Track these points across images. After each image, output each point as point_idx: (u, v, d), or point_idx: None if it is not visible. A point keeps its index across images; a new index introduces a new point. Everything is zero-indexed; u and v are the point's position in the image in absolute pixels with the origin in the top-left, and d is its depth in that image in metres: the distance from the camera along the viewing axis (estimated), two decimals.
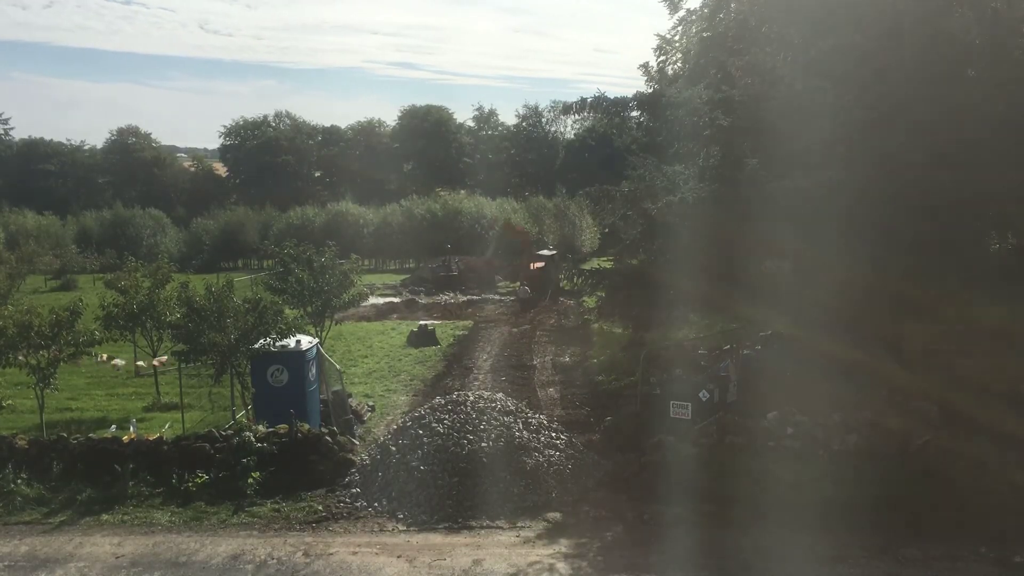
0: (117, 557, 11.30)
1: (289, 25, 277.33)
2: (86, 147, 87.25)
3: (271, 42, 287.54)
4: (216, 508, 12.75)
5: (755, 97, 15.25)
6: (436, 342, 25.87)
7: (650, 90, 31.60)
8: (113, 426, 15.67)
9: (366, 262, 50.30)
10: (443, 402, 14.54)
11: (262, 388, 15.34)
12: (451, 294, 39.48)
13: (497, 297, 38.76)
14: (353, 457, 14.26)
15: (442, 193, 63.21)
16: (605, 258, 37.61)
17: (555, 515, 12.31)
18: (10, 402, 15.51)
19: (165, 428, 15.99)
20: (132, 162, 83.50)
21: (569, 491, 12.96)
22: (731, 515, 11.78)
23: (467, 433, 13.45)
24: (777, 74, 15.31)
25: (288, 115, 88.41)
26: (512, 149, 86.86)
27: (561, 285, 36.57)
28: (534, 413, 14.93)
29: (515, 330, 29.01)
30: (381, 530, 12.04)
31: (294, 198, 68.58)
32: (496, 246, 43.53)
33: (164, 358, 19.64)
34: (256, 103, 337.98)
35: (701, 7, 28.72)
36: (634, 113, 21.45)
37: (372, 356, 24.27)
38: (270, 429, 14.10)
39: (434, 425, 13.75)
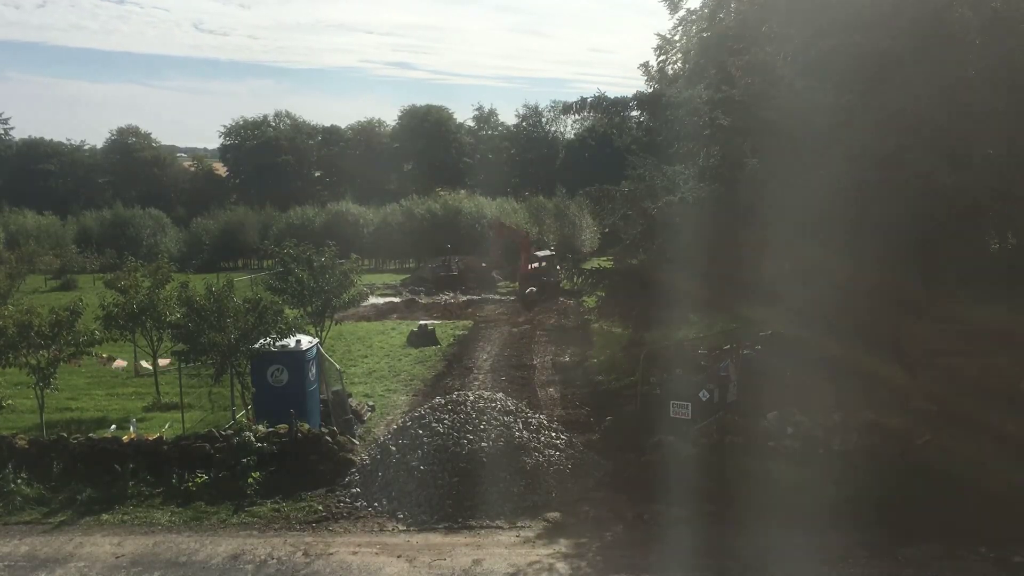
0: (117, 557, 11.30)
1: (284, 24, 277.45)
2: (86, 147, 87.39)
3: (266, 42, 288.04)
4: (216, 508, 12.74)
5: (755, 97, 15.25)
6: (436, 342, 25.87)
7: (650, 90, 31.59)
8: (113, 426, 15.69)
9: (366, 262, 50.30)
10: (443, 402, 14.53)
11: (262, 388, 15.34)
12: (451, 294, 39.50)
13: (497, 297, 38.78)
14: (353, 457, 14.25)
15: (442, 193, 63.26)
16: (605, 258, 37.66)
17: (555, 515, 12.30)
18: (10, 402, 15.50)
19: (165, 428, 16.00)
20: (132, 162, 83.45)
21: (569, 491, 12.96)
22: (731, 515, 11.78)
23: (467, 433, 13.45)
24: (777, 74, 15.31)
25: (288, 115, 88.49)
26: (512, 149, 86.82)
27: (561, 285, 36.60)
28: (534, 413, 14.93)
29: (515, 330, 29.02)
30: (381, 530, 12.04)
31: (294, 198, 68.55)
32: (495, 247, 43.45)
33: (166, 361, 19.67)
34: (254, 103, 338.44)
35: (701, 7, 28.74)
36: (634, 113, 21.45)
37: (372, 356, 24.28)
38: (270, 429, 14.10)
39: (434, 425, 13.75)
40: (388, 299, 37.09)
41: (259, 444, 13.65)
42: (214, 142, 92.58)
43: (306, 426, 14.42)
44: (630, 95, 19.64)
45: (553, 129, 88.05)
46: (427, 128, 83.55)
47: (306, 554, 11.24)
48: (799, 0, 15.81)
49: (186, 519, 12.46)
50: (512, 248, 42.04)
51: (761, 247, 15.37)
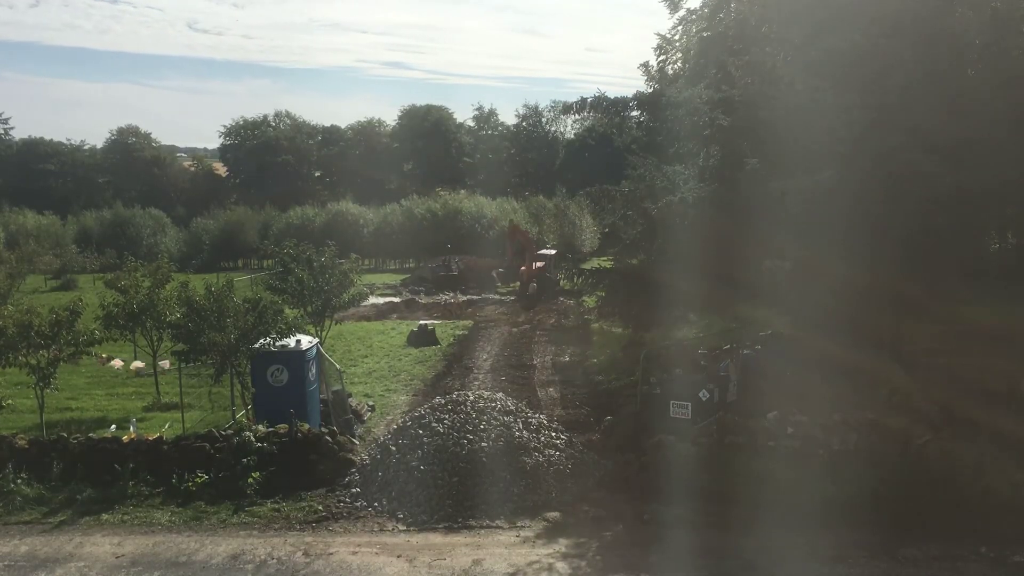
0: (117, 557, 11.30)
1: (278, 24, 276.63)
2: (86, 147, 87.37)
3: (261, 41, 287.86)
4: (216, 508, 12.75)
5: (755, 97, 15.26)
6: (436, 342, 25.88)
7: (650, 90, 31.64)
8: (113, 426, 15.68)
9: (366, 262, 50.27)
10: (443, 402, 14.54)
11: (262, 388, 15.34)
12: (451, 294, 39.50)
13: (497, 297, 38.77)
14: (353, 457, 14.25)
15: (442, 193, 63.22)
16: (605, 258, 37.60)
17: (555, 515, 12.31)
18: (10, 402, 15.50)
19: (165, 428, 15.99)
20: (132, 162, 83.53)
21: (569, 491, 12.96)
22: (731, 515, 11.78)
23: (467, 433, 13.45)
24: (777, 74, 15.32)
25: (288, 115, 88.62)
26: (512, 149, 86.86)
27: (561, 285, 36.61)
28: (534, 413, 14.93)
29: (515, 330, 29.02)
30: (381, 530, 12.05)
31: (294, 198, 68.50)
32: (510, 250, 43.15)
33: (167, 363, 19.67)
34: (251, 103, 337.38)
35: (701, 7, 28.81)
36: (634, 113, 21.46)
37: (372, 356, 24.28)
38: (270, 429, 14.10)
39: (434, 425, 13.75)
40: (388, 299, 37.08)
41: (259, 444, 13.65)
42: (214, 142, 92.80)
43: (306, 426, 14.42)
44: (630, 95, 19.68)
45: (553, 129, 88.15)
46: (427, 128, 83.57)
47: (306, 554, 11.25)
48: (799, 0, 15.81)
49: (186, 519, 12.46)
50: (516, 249, 42.03)
51: (761, 247, 15.37)
